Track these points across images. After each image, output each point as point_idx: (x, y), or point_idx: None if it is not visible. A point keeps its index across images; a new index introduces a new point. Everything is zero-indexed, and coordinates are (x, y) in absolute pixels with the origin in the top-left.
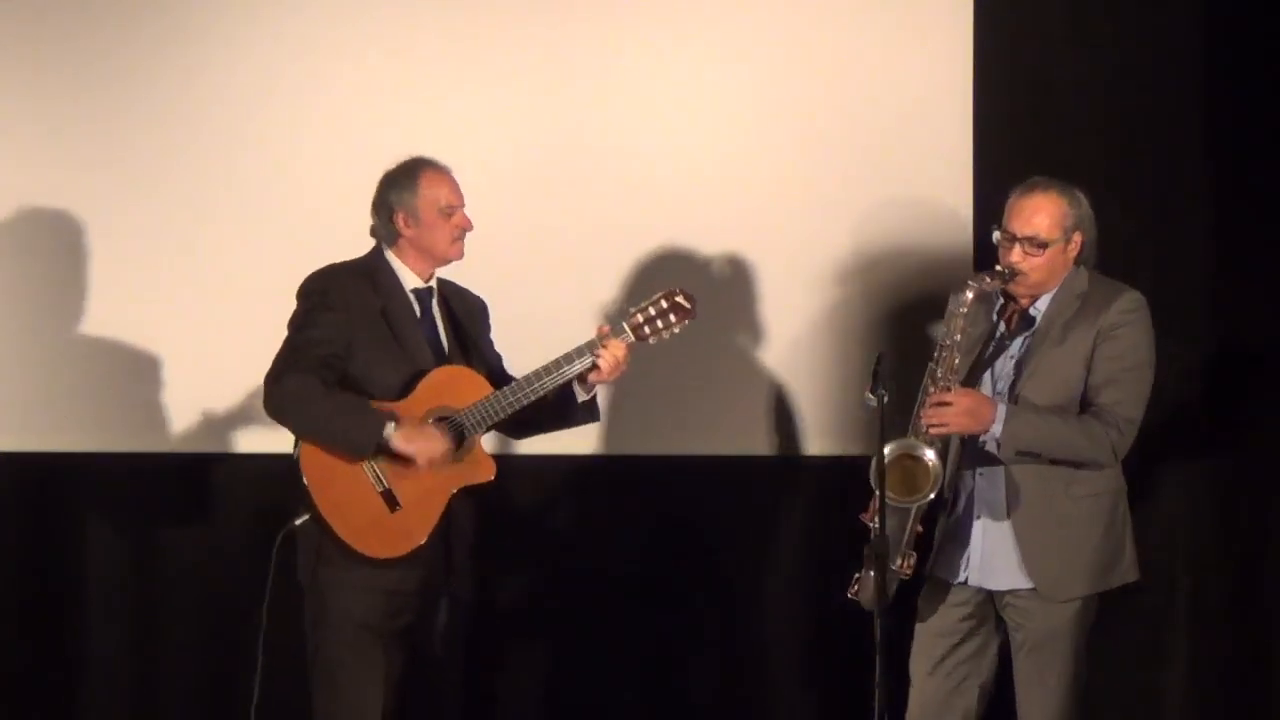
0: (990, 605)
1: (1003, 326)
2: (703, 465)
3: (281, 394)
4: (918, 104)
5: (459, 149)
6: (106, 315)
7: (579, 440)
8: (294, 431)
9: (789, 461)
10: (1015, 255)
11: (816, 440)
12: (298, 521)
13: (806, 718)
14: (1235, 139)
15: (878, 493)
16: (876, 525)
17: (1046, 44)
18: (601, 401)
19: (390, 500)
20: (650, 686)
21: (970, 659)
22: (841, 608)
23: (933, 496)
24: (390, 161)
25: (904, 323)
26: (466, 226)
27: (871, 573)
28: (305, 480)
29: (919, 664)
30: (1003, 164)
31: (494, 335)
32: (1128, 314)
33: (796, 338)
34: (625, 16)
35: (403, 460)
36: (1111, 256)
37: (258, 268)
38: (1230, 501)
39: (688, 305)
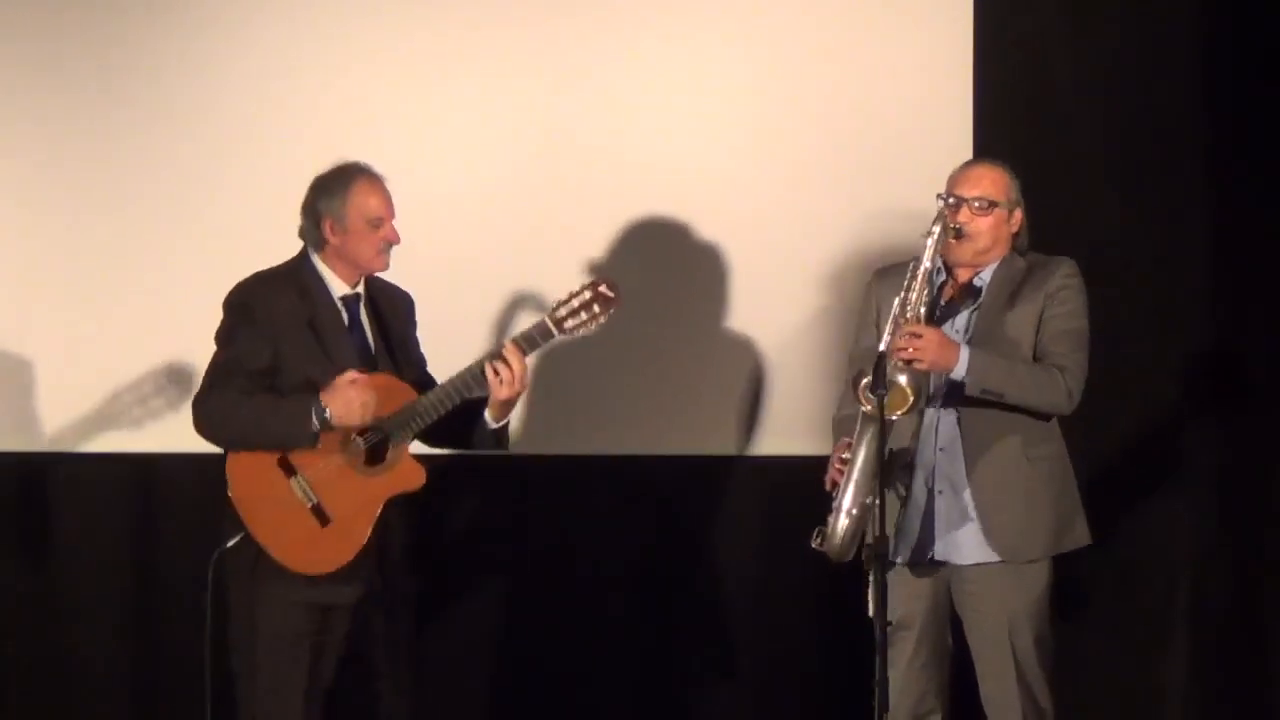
0: (946, 592)
1: (944, 301)
2: (702, 465)
3: (206, 415)
4: (918, 104)
5: (451, 145)
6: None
7: (567, 440)
8: (226, 446)
9: (781, 461)
10: (964, 215)
11: (813, 440)
12: (230, 544)
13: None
14: (1235, 138)
15: (876, 497)
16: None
17: (1046, 44)
18: (593, 400)
19: (320, 515)
20: (636, 685)
21: (936, 645)
22: (825, 607)
23: (919, 408)
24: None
25: None
26: (393, 240)
27: (842, 521)
28: (234, 502)
29: (892, 660)
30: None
31: (488, 332)
32: (1071, 278)
33: (792, 339)
34: (620, 13)
35: (328, 473)
36: (1112, 256)
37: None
38: (1230, 501)
39: (612, 295)
